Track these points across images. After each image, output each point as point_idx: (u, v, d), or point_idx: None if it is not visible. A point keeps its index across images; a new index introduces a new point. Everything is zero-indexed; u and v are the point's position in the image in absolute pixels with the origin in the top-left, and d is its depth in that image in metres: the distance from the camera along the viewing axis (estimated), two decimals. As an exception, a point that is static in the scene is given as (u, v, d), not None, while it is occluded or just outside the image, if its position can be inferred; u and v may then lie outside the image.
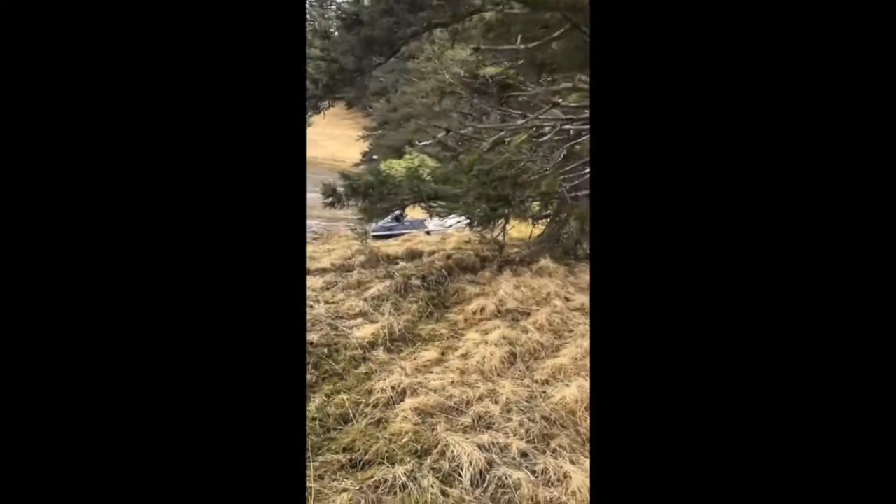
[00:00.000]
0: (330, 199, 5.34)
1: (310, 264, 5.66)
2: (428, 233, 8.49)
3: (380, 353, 3.48)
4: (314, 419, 2.66)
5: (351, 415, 2.73)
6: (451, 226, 8.97)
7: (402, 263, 5.50)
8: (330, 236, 8.37)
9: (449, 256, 5.80)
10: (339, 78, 4.35)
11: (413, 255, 6.12)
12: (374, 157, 20.07)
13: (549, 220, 6.91)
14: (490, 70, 11.40)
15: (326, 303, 4.23)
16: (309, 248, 6.75)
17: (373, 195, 5.15)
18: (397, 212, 8.47)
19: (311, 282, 4.85)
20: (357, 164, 21.41)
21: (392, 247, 6.69)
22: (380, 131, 21.05)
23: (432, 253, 6.22)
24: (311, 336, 3.45)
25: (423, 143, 6.84)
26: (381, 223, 9.58)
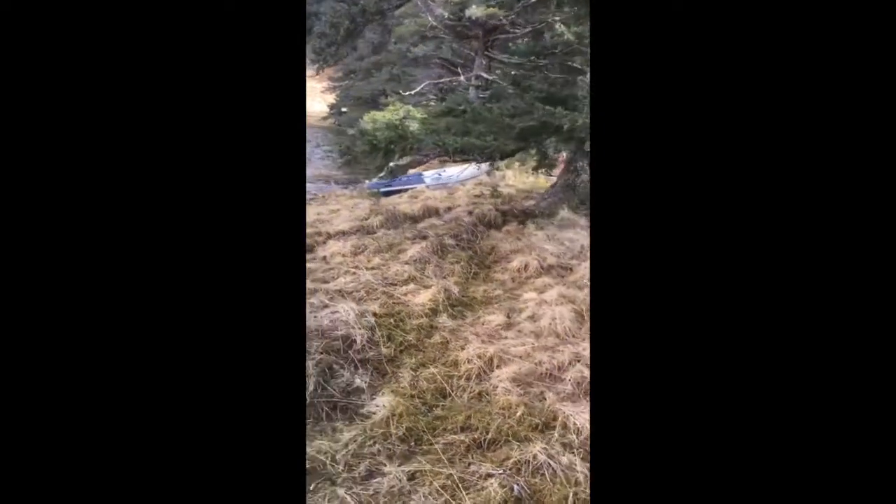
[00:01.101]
0: (346, 157, 4.99)
1: (324, 227, 5.36)
2: (428, 187, 8.19)
3: (445, 320, 3.31)
4: (412, 396, 2.49)
5: (447, 389, 2.57)
6: (446, 182, 8.69)
7: (428, 221, 5.25)
8: (327, 196, 7.97)
9: (470, 212, 5.59)
10: (361, 21, 3.95)
11: (430, 213, 5.88)
12: (343, 109, 19.16)
13: (563, 168, 6.74)
14: (476, 11, 10.83)
15: (366, 268, 3.99)
16: (312, 210, 6.41)
17: (393, 151, 4.83)
18: (391, 165, 8.11)
19: (337, 247, 4.58)
20: (325, 118, 20.41)
21: (403, 204, 6.40)
22: (346, 82, 19.97)
23: (449, 209, 6.00)
24: (372, 306, 3.24)
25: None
26: (376, 180, 9.22)
